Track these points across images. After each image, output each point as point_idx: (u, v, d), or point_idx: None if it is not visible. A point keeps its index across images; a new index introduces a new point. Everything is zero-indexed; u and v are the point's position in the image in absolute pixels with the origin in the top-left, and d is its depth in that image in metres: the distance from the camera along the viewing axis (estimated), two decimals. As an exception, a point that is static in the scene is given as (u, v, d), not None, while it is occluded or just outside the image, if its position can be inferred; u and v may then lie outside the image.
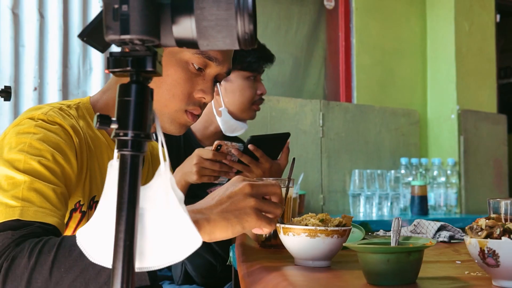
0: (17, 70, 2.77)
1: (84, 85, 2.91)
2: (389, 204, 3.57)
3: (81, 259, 0.94)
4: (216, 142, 1.74)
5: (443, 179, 3.78)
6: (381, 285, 0.93)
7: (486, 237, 0.92)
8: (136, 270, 0.78)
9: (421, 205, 3.41)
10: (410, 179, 3.67)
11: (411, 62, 4.15)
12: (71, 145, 1.19)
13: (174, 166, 1.81)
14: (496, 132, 4.17)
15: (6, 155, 1.11)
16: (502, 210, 1.21)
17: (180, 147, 2.08)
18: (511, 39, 5.64)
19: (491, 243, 0.89)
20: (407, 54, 4.13)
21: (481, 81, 4.18)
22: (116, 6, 0.70)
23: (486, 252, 0.89)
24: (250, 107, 2.10)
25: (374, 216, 3.42)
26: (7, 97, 1.69)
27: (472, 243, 0.91)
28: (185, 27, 0.75)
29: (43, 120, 1.17)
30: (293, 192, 2.76)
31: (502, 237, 0.90)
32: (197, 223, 0.96)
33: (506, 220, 1.21)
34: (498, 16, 4.35)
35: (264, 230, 1.05)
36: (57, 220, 1.07)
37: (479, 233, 0.93)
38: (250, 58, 2.05)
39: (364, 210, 3.51)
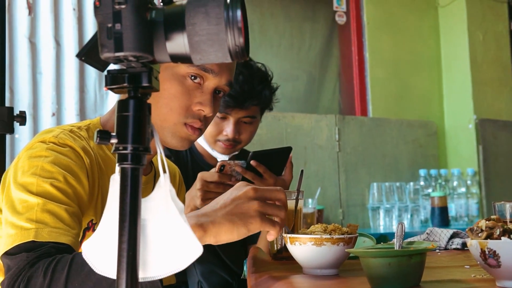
0: (35, 96, 2.84)
1: (101, 109, 2.97)
2: (409, 216, 3.56)
3: (94, 273, 0.96)
4: (219, 162, 1.73)
5: (463, 189, 3.76)
6: (384, 289, 0.94)
7: (486, 238, 0.92)
8: (140, 280, 0.80)
9: (441, 217, 3.39)
10: (429, 190, 3.65)
11: (426, 74, 4.15)
12: (82, 166, 1.22)
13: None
14: (516, 140, 4.13)
15: (20, 179, 1.15)
16: (507, 213, 1.21)
17: (188, 167, 2.09)
18: (528, 46, 5.59)
19: (491, 244, 0.89)
20: (421, 66, 4.14)
21: (497, 89, 4.16)
22: (109, 25, 0.74)
23: (487, 253, 0.90)
24: (214, 142, 2.03)
25: (394, 229, 3.39)
26: (22, 122, 1.74)
27: (473, 244, 0.92)
28: (178, 43, 0.78)
29: (54, 143, 1.20)
30: (311, 207, 2.76)
31: (502, 238, 0.90)
32: (202, 226, 0.99)
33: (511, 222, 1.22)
34: (512, 24, 4.34)
35: (270, 234, 1.07)
36: (71, 239, 1.10)
37: (479, 234, 0.93)
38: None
39: (384, 223, 3.50)
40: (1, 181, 1.25)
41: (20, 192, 1.12)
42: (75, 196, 1.17)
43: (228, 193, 1.06)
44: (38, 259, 1.01)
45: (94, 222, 1.27)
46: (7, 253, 1.05)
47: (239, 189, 1.05)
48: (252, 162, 1.74)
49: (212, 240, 1.00)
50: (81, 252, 1.03)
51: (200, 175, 1.71)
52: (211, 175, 1.69)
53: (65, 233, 1.09)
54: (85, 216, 1.24)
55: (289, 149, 1.83)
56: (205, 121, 1.34)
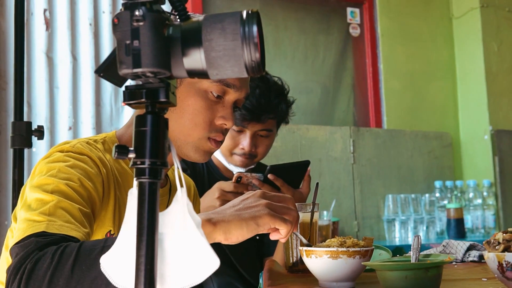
0: (52, 110, 2.87)
1: (116, 122, 3.00)
2: (424, 228, 3.54)
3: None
4: (236, 174, 1.75)
5: (479, 201, 3.72)
6: (401, 302, 0.94)
7: (503, 250, 0.92)
8: (157, 293, 0.80)
9: (457, 228, 3.37)
10: (445, 202, 3.63)
11: (441, 85, 4.14)
12: (97, 174, 1.24)
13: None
14: (532, 151, 4.09)
15: (37, 181, 1.16)
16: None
17: (204, 179, 2.10)
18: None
19: (509, 257, 0.89)
20: (436, 77, 4.13)
21: (513, 100, 4.13)
22: (128, 42, 0.75)
23: (504, 265, 0.89)
24: (231, 155, 2.02)
25: (410, 241, 3.37)
26: (40, 136, 1.77)
27: (490, 257, 0.92)
28: (195, 59, 0.79)
29: (71, 152, 1.23)
30: (326, 219, 2.75)
31: (520, 250, 0.90)
32: (211, 220, 1.02)
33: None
34: (527, 34, 4.31)
35: (281, 233, 1.08)
36: (81, 235, 1.09)
37: (496, 247, 0.93)
38: (236, 113, 1.96)
39: (399, 235, 3.48)
40: (20, 194, 1.27)
41: (36, 192, 1.13)
42: (89, 200, 1.19)
43: (239, 198, 1.12)
44: (48, 245, 1.02)
45: (112, 233, 1.28)
46: (17, 243, 1.05)
47: (248, 194, 1.11)
48: (269, 176, 1.75)
49: (222, 236, 1.03)
50: (90, 240, 1.04)
51: (218, 185, 1.73)
52: (229, 185, 1.72)
53: (76, 229, 1.09)
54: (102, 226, 1.25)
55: (307, 163, 1.84)
56: (225, 133, 1.36)
